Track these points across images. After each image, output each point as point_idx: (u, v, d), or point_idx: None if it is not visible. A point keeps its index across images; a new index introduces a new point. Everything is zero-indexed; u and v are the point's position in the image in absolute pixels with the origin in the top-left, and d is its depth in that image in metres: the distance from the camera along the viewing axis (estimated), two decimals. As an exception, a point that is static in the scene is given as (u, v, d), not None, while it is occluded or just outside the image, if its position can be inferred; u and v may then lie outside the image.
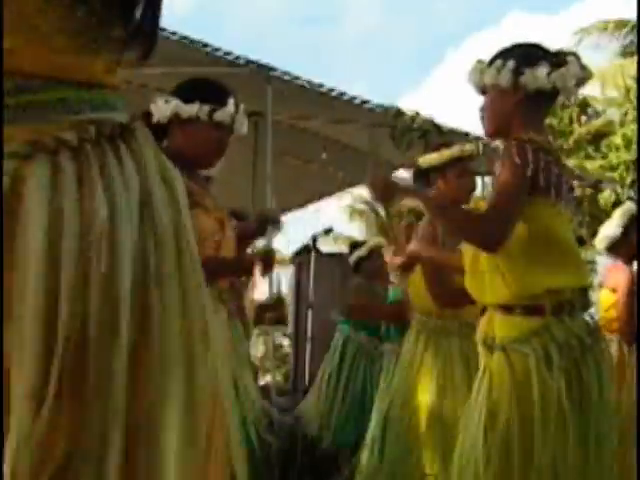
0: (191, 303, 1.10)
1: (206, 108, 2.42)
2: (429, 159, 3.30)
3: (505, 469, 2.06)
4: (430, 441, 2.98)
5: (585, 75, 2.25)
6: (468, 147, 3.28)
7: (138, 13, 1.15)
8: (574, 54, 2.28)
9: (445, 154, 3.25)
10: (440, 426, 2.94)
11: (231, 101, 2.45)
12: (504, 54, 2.27)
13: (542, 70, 2.19)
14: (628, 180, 12.64)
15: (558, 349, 2.09)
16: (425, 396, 3.03)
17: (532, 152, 2.12)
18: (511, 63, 2.22)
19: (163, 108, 2.43)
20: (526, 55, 2.24)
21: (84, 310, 1.01)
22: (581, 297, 2.19)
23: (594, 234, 4.29)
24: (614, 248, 4.04)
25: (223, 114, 2.43)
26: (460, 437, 2.21)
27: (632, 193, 11.84)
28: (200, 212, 2.35)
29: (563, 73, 2.19)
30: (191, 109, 2.42)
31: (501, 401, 2.11)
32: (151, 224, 1.09)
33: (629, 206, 4.25)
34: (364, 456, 3.39)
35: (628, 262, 3.98)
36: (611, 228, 4.04)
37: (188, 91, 2.47)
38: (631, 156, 12.63)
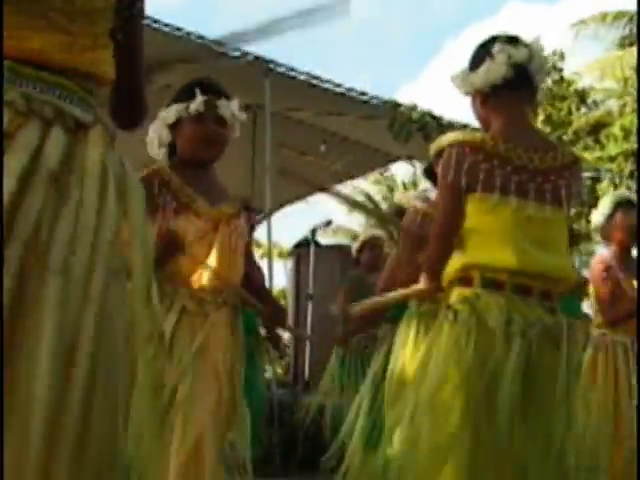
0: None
1: (181, 106, 2.51)
2: (433, 146, 3.32)
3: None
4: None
5: (519, 54, 2.29)
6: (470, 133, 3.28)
7: None
8: (509, 38, 2.33)
9: (445, 138, 3.26)
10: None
11: (197, 90, 2.51)
12: (471, 57, 2.37)
13: (482, 68, 2.30)
14: (626, 171, 12.64)
15: (468, 310, 2.16)
16: (410, 376, 3.06)
17: (455, 156, 2.24)
18: (465, 71, 2.36)
19: (165, 123, 2.58)
20: (473, 57, 2.36)
21: None
22: (544, 290, 2.23)
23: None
24: (604, 236, 4.05)
25: (196, 104, 2.49)
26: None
27: (630, 183, 11.85)
28: (189, 215, 2.42)
29: (488, 66, 2.29)
30: (172, 113, 2.53)
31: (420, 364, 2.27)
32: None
33: (615, 193, 4.27)
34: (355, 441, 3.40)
35: (620, 250, 3.96)
36: (597, 216, 4.07)
37: (175, 97, 2.57)
38: (629, 146, 12.63)
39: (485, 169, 2.23)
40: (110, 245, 1.13)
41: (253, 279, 2.71)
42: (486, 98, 2.33)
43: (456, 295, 2.24)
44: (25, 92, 1.12)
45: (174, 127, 2.54)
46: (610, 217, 4.00)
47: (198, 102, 2.49)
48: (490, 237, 2.24)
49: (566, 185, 2.31)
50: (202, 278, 2.43)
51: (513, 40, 2.32)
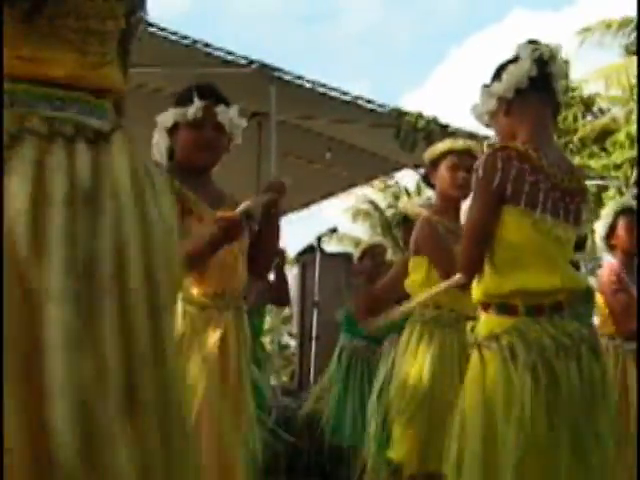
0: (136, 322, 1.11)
1: (179, 111, 2.48)
2: (426, 154, 3.35)
3: (473, 465, 2.09)
4: (417, 427, 3.00)
5: (547, 52, 2.30)
6: (462, 142, 3.30)
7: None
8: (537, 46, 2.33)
9: (437, 147, 3.29)
10: (429, 412, 2.96)
11: (194, 95, 2.48)
12: (492, 75, 2.38)
13: (506, 72, 2.30)
14: (632, 178, 12.62)
15: (526, 346, 2.12)
16: (418, 384, 3.06)
17: (502, 161, 2.18)
18: (485, 88, 2.35)
19: (164, 126, 2.55)
20: (496, 70, 2.35)
21: None
22: (571, 299, 2.22)
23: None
24: (608, 245, 4.05)
25: (193, 110, 2.46)
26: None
27: (634, 190, 11.83)
28: (192, 219, 2.40)
29: (513, 67, 2.29)
30: (169, 118, 2.50)
31: (472, 397, 2.16)
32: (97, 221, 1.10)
33: (616, 201, 4.28)
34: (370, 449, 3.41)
35: (624, 258, 3.96)
36: (600, 223, 4.07)
37: (174, 101, 2.55)
38: (635, 154, 12.61)
39: (531, 182, 2.20)
40: (166, 247, 1.15)
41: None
42: (510, 105, 2.31)
43: (498, 324, 2.20)
44: (44, 114, 1.13)
45: (171, 131, 2.52)
46: (612, 226, 4.00)
47: (196, 107, 2.46)
48: (528, 256, 2.21)
49: (585, 208, 2.33)
50: (204, 282, 2.44)
51: (535, 42, 2.33)
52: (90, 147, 1.14)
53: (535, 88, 2.29)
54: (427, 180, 3.41)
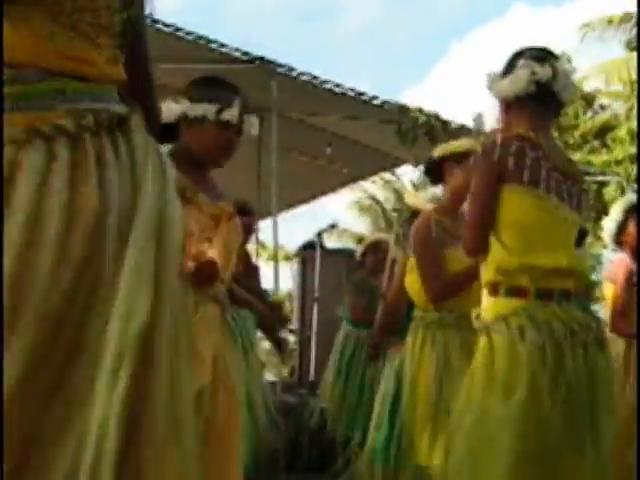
0: (167, 289, 1.13)
1: (213, 108, 2.44)
2: (442, 150, 3.32)
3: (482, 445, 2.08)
4: (427, 430, 3.00)
5: (547, 75, 2.29)
6: (469, 142, 3.28)
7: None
8: (536, 53, 2.33)
9: (460, 145, 3.26)
10: (436, 415, 2.96)
11: (237, 101, 2.47)
12: (506, 62, 2.38)
13: (505, 80, 2.31)
14: (633, 174, 12.62)
15: (535, 327, 2.12)
16: (423, 387, 3.06)
17: (501, 140, 2.20)
18: (496, 75, 2.36)
19: (172, 108, 2.47)
20: (505, 65, 2.37)
21: (59, 289, 1.03)
22: (577, 290, 2.22)
23: (599, 228, 4.32)
24: (616, 240, 4.07)
25: (229, 114, 2.45)
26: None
27: (635, 187, 11.83)
28: (191, 208, 2.37)
29: (511, 79, 2.29)
30: (198, 109, 2.44)
31: (480, 379, 2.16)
32: (140, 212, 1.13)
33: (628, 197, 4.30)
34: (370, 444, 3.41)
35: (633, 253, 3.98)
36: (610, 220, 4.09)
37: (197, 90, 2.50)
38: (635, 150, 12.60)
39: (532, 158, 2.21)
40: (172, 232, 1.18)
41: (248, 281, 2.71)
42: (510, 106, 2.34)
43: (507, 307, 2.19)
44: (71, 108, 1.14)
45: (191, 121, 2.47)
46: (622, 223, 4.02)
47: (235, 113, 2.45)
48: (535, 234, 2.22)
49: (585, 196, 2.33)
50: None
51: (539, 57, 2.32)
52: (113, 135, 1.17)
53: (535, 98, 2.31)
54: (431, 175, 3.40)
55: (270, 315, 2.68)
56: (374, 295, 5.29)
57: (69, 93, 1.16)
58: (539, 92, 2.29)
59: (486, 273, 2.27)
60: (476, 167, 2.27)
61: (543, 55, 2.33)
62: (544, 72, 2.28)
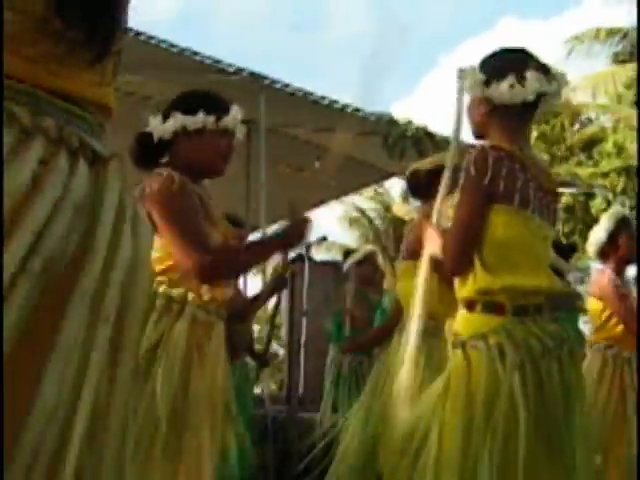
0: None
1: (212, 117, 2.45)
2: (424, 163, 3.35)
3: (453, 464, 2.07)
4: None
5: (550, 88, 2.27)
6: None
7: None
8: (541, 65, 2.29)
9: (435, 159, 3.30)
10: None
11: (234, 107, 2.50)
12: (484, 62, 2.32)
13: (504, 85, 2.23)
14: (619, 187, 12.68)
15: (514, 346, 2.12)
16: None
17: (493, 159, 2.17)
18: (482, 75, 2.27)
19: (167, 125, 2.46)
20: (497, 67, 2.29)
21: None
22: (551, 302, 2.21)
23: (586, 241, 4.34)
24: (602, 253, 4.08)
25: (229, 120, 2.47)
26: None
27: (624, 200, 11.89)
28: (209, 225, 2.40)
29: (515, 87, 2.23)
30: (197, 120, 2.44)
31: (457, 397, 2.14)
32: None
33: (616, 210, 4.33)
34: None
35: (617, 267, 4.01)
36: (598, 233, 4.10)
37: (190, 103, 2.49)
38: (622, 163, 12.68)
39: (522, 180, 2.20)
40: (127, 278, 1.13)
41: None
42: (494, 110, 2.28)
43: (484, 324, 2.19)
44: (57, 122, 1.13)
45: (190, 134, 2.45)
46: (613, 235, 4.03)
47: (233, 120, 2.48)
48: (519, 255, 2.21)
49: (558, 209, 2.35)
50: (210, 288, 2.42)
51: (545, 70, 2.28)
52: (89, 166, 1.14)
53: (525, 107, 2.28)
54: (413, 191, 3.42)
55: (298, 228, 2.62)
56: (367, 304, 5.30)
57: (62, 112, 1.16)
58: (533, 103, 2.27)
59: (463, 289, 2.25)
60: (466, 187, 2.22)
61: (547, 67, 2.30)
62: (551, 88, 2.26)
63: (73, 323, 1.05)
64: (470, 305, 2.24)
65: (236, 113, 2.49)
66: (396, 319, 3.58)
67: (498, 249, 2.20)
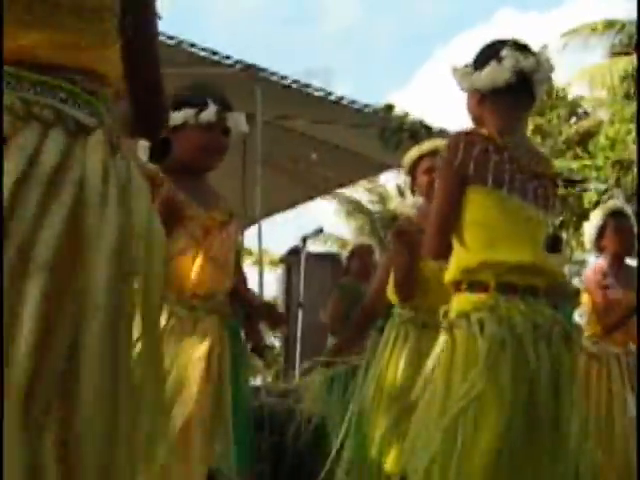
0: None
1: (191, 112, 2.47)
2: (405, 159, 3.38)
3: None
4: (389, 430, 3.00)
5: (528, 63, 2.28)
6: (429, 143, 3.33)
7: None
8: (519, 44, 2.32)
9: (408, 156, 3.34)
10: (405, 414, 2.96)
11: (210, 101, 2.50)
12: (474, 56, 2.37)
13: (486, 71, 2.28)
14: (612, 180, 12.68)
15: (496, 321, 2.10)
16: (393, 386, 3.07)
17: (464, 143, 2.21)
18: (469, 68, 2.33)
19: None
20: (480, 56, 2.34)
21: None
22: (548, 289, 2.22)
23: (579, 233, 4.36)
24: (596, 245, 4.09)
25: (208, 114, 2.48)
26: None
27: (616, 192, 11.89)
28: (183, 219, 2.42)
29: (493, 68, 2.26)
30: (179, 116, 2.48)
31: (440, 376, 2.14)
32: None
33: (608, 202, 4.33)
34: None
35: (612, 260, 4.00)
36: (589, 227, 4.11)
37: (174, 100, 2.51)
38: (615, 156, 12.68)
39: (495, 161, 2.21)
40: (115, 245, 1.11)
41: (240, 290, 2.72)
42: (484, 98, 2.32)
43: (469, 302, 2.19)
44: (24, 96, 1.10)
45: (174, 130, 2.46)
46: (602, 228, 4.03)
47: (211, 112, 2.48)
48: (498, 233, 2.22)
49: (553, 194, 2.34)
50: (193, 284, 2.43)
51: (522, 47, 2.32)
52: (67, 136, 1.12)
53: (510, 92, 2.29)
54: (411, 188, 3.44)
55: (267, 315, 2.68)
56: (359, 301, 5.28)
57: (35, 85, 1.14)
58: (517, 83, 2.28)
59: (448, 273, 2.27)
60: (440, 172, 2.30)
61: (525, 45, 2.33)
62: (528, 62, 2.28)
63: None
64: (457, 286, 2.25)
65: (213, 107, 2.48)
66: (372, 304, 3.57)
67: (475, 228, 2.22)
